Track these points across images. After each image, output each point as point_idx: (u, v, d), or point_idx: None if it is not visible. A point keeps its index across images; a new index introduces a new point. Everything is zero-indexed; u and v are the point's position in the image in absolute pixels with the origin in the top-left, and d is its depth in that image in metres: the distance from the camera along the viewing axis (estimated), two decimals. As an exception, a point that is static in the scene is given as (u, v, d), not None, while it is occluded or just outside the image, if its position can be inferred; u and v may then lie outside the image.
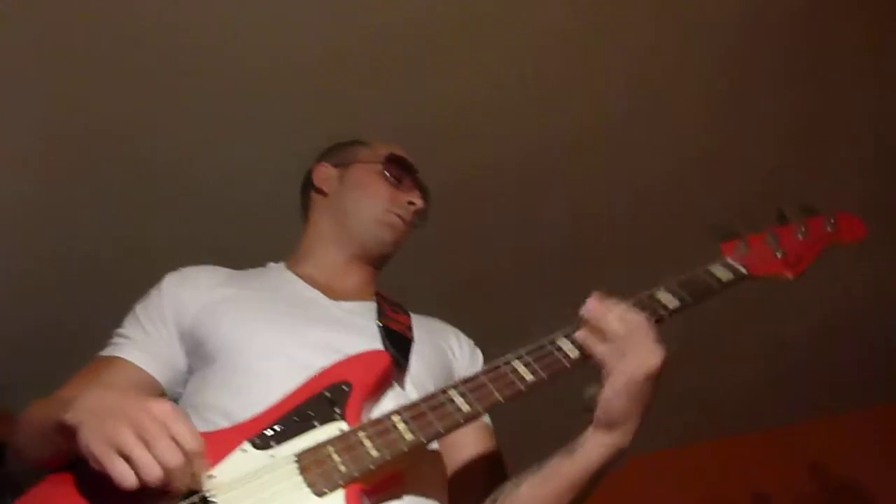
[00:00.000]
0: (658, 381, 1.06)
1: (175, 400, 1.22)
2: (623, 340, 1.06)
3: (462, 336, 1.41)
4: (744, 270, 1.28)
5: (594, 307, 1.09)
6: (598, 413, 1.07)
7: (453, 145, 2.40)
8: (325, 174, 1.46)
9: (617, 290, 2.71)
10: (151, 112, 2.26)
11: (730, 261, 1.28)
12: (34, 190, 2.50)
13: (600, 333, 1.08)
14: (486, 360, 3.03)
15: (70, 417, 0.95)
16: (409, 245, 2.57)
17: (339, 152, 1.49)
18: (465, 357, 1.36)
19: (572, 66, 2.19)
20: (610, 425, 1.07)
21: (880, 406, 3.28)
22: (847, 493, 3.17)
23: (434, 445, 1.18)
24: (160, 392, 1.21)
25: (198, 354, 1.22)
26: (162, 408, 0.93)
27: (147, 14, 2.00)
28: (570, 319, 3.07)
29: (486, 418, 1.28)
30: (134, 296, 2.79)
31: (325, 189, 1.45)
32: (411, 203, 1.41)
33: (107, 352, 1.25)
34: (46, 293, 2.85)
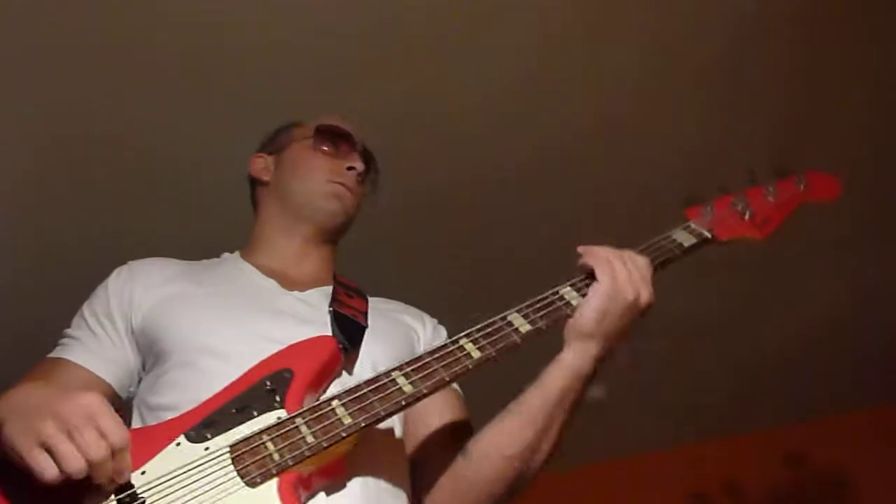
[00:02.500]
0: (636, 321, 1.09)
1: (129, 399, 1.20)
2: (625, 263, 1.10)
3: (426, 316, 1.37)
4: (708, 234, 1.24)
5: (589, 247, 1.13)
6: (573, 318, 1.09)
7: (456, 144, 2.39)
8: (261, 164, 1.44)
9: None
10: (149, 111, 2.27)
11: (693, 225, 1.25)
12: (35, 190, 2.51)
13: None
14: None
15: None
16: (412, 245, 2.61)
17: (273, 139, 1.47)
18: (427, 336, 1.32)
19: (575, 65, 2.18)
20: (577, 335, 1.09)
21: (880, 406, 3.27)
22: (847, 493, 3.16)
23: (394, 427, 1.16)
24: (110, 393, 1.17)
25: (151, 353, 1.19)
26: (88, 400, 0.91)
27: (144, 12, 2.01)
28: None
29: (455, 387, 1.25)
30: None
31: (265, 178, 1.42)
32: (351, 168, 1.36)
33: (55, 353, 1.21)
34: (46, 293, 2.86)
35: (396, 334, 1.26)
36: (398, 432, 1.18)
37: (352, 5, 2.02)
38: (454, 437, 1.18)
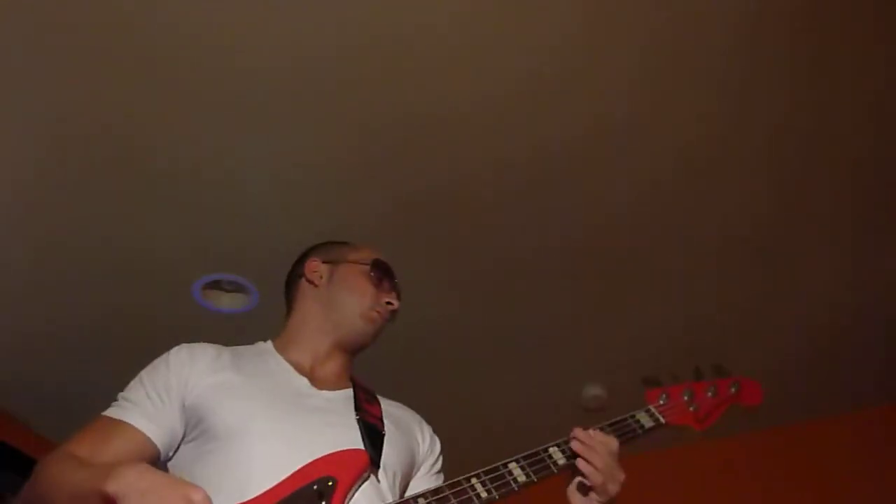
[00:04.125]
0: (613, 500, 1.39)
1: (164, 462, 1.37)
2: (608, 451, 1.39)
3: (424, 424, 1.58)
4: (662, 420, 1.56)
5: (580, 433, 1.40)
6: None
7: (457, 144, 2.40)
8: (316, 268, 1.61)
9: (623, 291, 2.71)
10: (150, 111, 2.27)
11: (653, 409, 1.57)
12: (36, 191, 2.51)
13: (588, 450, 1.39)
14: (490, 356, 3.02)
15: (113, 488, 1.10)
16: (416, 243, 2.62)
17: (330, 250, 1.65)
18: (426, 444, 1.55)
19: (576, 65, 2.17)
20: None
21: (880, 406, 3.28)
22: (847, 493, 3.17)
23: None
24: (158, 456, 1.35)
25: (197, 428, 1.35)
26: (199, 497, 1.09)
27: (146, 13, 2.01)
28: (575, 316, 3.03)
29: None
30: (133, 299, 2.85)
31: (316, 282, 1.60)
32: (389, 303, 1.59)
33: (114, 414, 1.36)
34: (46, 294, 2.87)
35: (404, 444, 1.48)
36: None
37: (352, 5, 2.02)
38: None
